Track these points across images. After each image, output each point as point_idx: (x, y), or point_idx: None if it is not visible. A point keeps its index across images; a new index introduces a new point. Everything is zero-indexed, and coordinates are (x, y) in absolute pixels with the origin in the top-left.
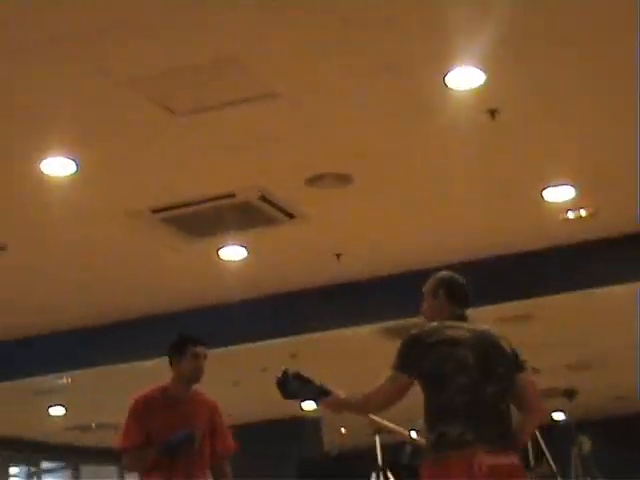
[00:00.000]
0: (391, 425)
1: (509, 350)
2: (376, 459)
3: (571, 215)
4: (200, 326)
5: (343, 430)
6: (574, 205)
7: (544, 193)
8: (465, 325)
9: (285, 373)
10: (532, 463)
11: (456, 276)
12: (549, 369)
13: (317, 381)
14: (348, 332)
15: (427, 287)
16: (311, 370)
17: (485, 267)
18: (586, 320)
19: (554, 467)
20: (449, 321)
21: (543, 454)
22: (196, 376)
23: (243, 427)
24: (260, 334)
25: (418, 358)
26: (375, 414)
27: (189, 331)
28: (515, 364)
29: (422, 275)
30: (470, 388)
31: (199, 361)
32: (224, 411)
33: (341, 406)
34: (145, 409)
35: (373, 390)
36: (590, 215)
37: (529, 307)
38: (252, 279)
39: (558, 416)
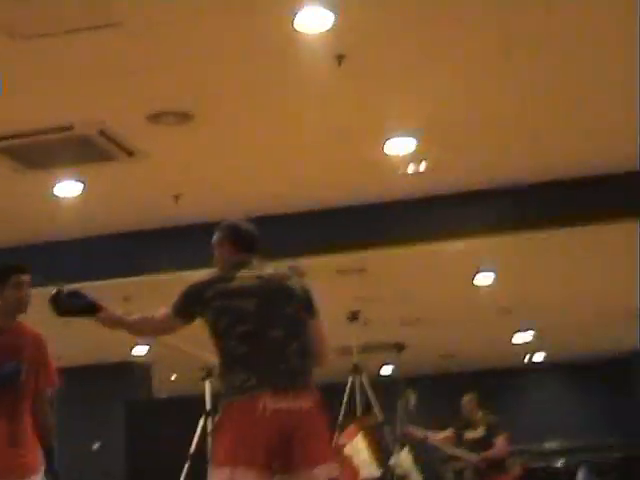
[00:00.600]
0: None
1: (300, 292)
2: (205, 403)
3: (411, 169)
4: (33, 263)
5: (173, 377)
6: (414, 158)
7: (386, 145)
8: (251, 272)
9: (59, 291)
10: (360, 413)
11: (240, 222)
12: (381, 322)
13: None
14: (183, 275)
15: (214, 238)
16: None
17: (322, 217)
18: (418, 275)
19: (380, 417)
20: (234, 269)
21: (370, 405)
22: (20, 306)
23: (72, 369)
24: (94, 274)
25: (193, 308)
26: (145, 337)
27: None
28: (307, 308)
29: (260, 220)
30: (251, 335)
31: (23, 290)
32: (54, 352)
33: (116, 323)
34: None
35: (149, 317)
36: (429, 169)
37: (364, 260)
38: (88, 216)
39: (387, 369)
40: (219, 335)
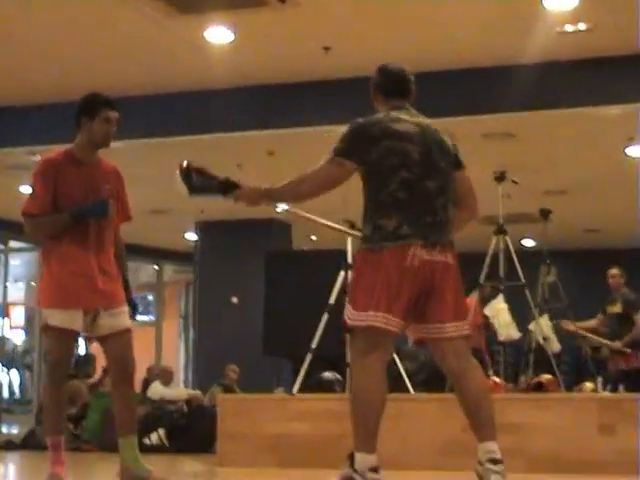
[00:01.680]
0: (318, 219)
1: (451, 147)
2: (346, 258)
3: (570, 28)
4: (179, 111)
5: (314, 237)
6: (574, 18)
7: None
8: (409, 118)
9: (187, 168)
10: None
11: (392, 66)
12: (526, 191)
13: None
14: (330, 129)
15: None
16: (289, 168)
17: (472, 77)
18: (568, 142)
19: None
20: (393, 112)
21: (515, 268)
22: (106, 141)
23: (216, 223)
24: (239, 125)
25: (364, 147)
26: (303, 199)
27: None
28: (455, 160)
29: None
30: (412, 182)
31: (111, 126)
32: (198, 209)
33: (261, 195)
34: (53, 172)
35: (309, 172)
36: (589, 30)
37: (512, 125)
38: (237, 65)
39: (529, 242)
40: (381, 176)
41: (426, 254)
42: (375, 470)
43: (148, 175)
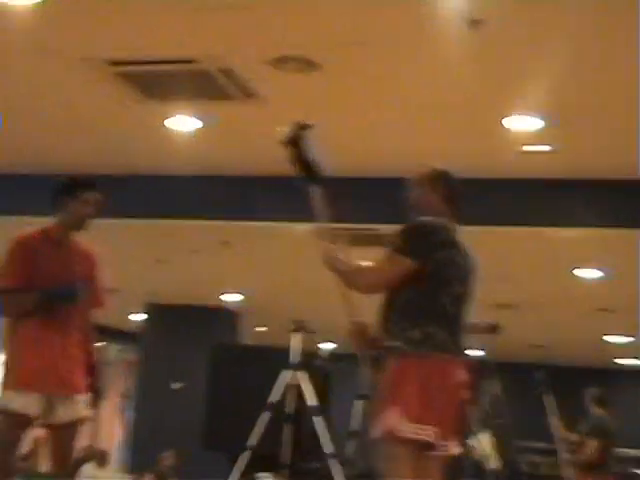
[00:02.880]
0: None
1: None
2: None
3: (531, 148)
4: (137, 193)
5: (263, 328)
6: (538, 139)
7: (507, 120)
8: (459, 238)
9: (303, 127)
10: None
11: (454, 176)
12: (478, 305)
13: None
14: (283, 225)
15: (422, 176)
16: (243, 259)
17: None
18: (519, 258)
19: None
20: (449, 222)
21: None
22: (83, 223)
23: (162, 307)
24: (194, 212)
25: (428, 248)
26: (357, 290)
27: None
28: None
29: (379, 181)
30: (461, 298)
31: (90, 207)
32: (147, 291)
33: (331, 258)
34: (25, 250)
35: (370, 266)
36: (551, 152)
37: (467, 236)
38: (198, 154)
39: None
40: (435, 283)
41: (460, 373)
42: None
43: (100, 253)
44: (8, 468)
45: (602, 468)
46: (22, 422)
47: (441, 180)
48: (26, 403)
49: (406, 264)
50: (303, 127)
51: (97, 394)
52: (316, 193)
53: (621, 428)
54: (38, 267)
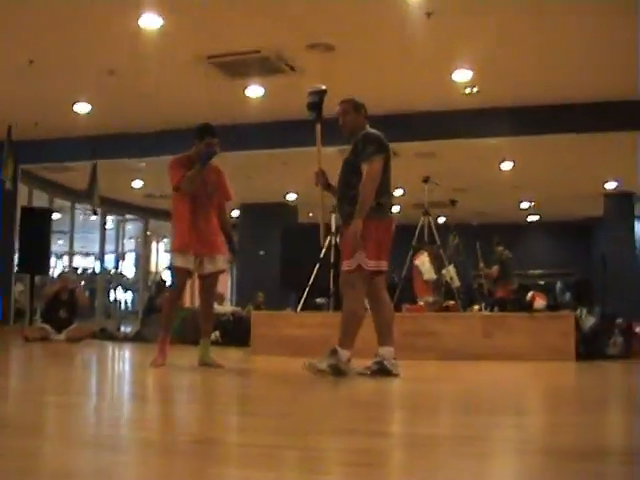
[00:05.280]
0: None
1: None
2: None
3: (467, 91)
4: (229, 137)
5: (311, 214)
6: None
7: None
8: None
9: (324, 92)
10: (427, 241)
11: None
12: (441, 188)
13: None
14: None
15: (348, 103)
16: (297, 172)
17: (408, 119)
18: (466, 161)
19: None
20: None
21: (434, 237)
22: (208, 158)
23: (249, 205)
24: (264, 145)
25: (385, 147)
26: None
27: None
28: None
29: (369, 119)
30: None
31: (211, 147)
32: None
33: (358, 225)
34: (179, 164)
35: (368, 172)
36: (479, 92)
37: (435, 147)
38: (265, 109)
39: (441, 220)
40: (386, 169)
41: None
42: (349, 360)
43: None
44: (175, 299)
45: (501, 280)
46: (184, 273)
47: (362, 106)
48: (185, 260)
49: (382, 160)
50: (321, 91)
51: (233, 252)
52: (318, 128)
53: (532, 259)
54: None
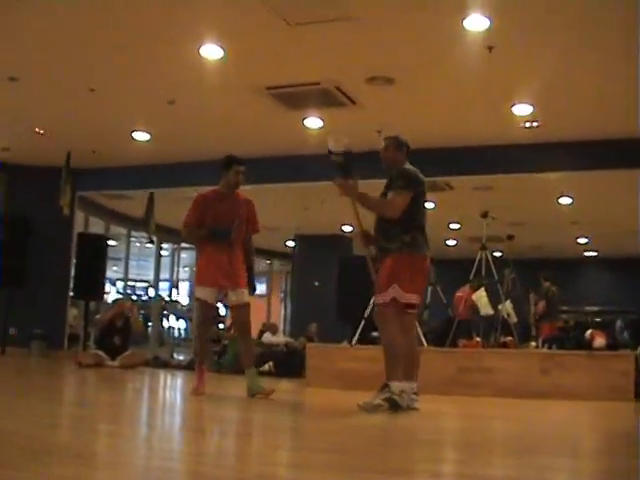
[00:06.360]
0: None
1: None
2: None
3: (527, 125)
4: (281, 167)
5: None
6: (531, 118)
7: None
8: None
9: (347, 152)
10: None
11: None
12: (497, 223)
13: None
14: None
15: (391, 139)
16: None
17: (465, 153)
18: (524, 196)
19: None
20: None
21: (491, 271)
22: (236, 185)
23: (305, 236)
24: (318, 177)
25: (415, 184)
26: (388, 215)
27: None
28: None
29: (428, 152)
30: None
31: (239, 176)
32: (296, 227)
33: (356, 194)
34: (203, 201)
35: (391, 199)
36: (540, 126)
37: (492, 181)
38: (326, 142)
39: (497, 254)
40: (417, 206)
41: None
42: (402, 392)
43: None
44: (205, 331)
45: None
46: (206, 305)
47: (405, 144)
48: (205, 293)
49: (409, 195)
50: (348, 152)
51: (252, 287)
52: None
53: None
54: (210, 212)
